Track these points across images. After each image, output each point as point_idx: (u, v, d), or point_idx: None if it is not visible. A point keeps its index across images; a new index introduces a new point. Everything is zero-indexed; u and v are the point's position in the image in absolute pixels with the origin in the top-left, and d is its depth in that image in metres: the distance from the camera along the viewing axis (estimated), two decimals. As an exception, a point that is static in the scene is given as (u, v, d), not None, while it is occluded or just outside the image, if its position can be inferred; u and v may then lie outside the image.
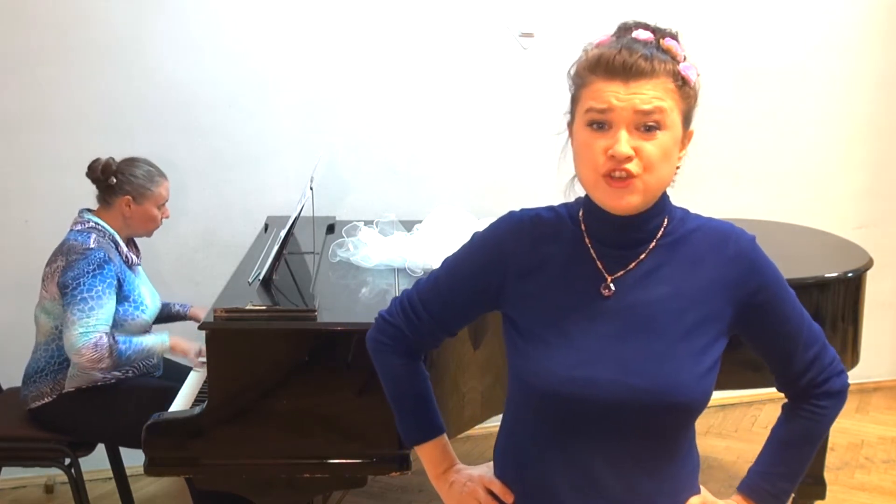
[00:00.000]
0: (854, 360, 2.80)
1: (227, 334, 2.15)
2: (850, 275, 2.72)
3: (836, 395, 1.39)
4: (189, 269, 3.38)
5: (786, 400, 1.43)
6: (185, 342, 2.69)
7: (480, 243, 1.39)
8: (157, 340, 2.66)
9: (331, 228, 3.18)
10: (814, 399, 1.38)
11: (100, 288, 2.52)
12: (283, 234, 2.47)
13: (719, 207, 3.77)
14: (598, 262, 1.31)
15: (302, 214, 2.61)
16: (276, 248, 2.44)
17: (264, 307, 2.19)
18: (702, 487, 1.40)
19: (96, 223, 2.65)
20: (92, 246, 2.55)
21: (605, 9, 3.44)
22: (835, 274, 2.70)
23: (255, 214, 3.34)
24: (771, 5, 3.82)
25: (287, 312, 2.20)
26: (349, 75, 3.41)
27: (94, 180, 2.68)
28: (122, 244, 2.68)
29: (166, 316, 2.98)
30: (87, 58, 3.15)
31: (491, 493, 1.41)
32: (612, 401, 1.24)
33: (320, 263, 2.72)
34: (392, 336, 1.45)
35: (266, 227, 3.14)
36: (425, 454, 1.50)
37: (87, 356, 2.48)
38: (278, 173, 3.40)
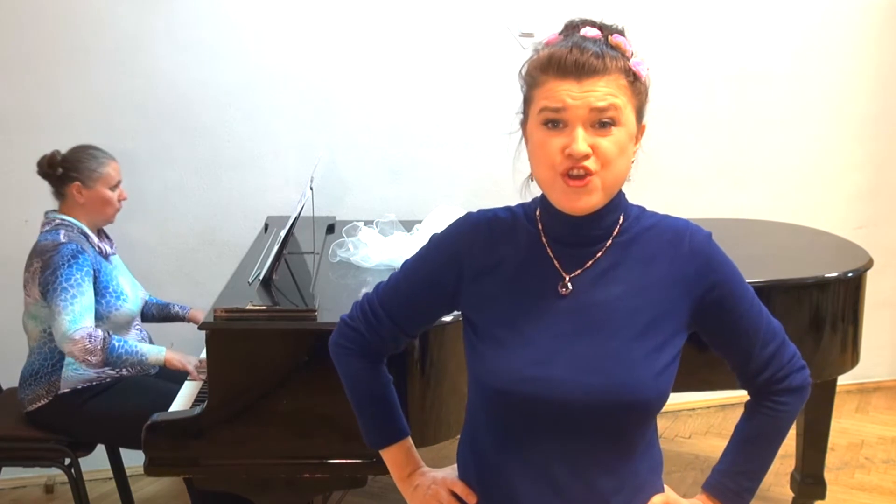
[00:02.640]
0: (854, 360, 2.80)
1: (227, 334, 2.15)
2: (850, 275, 2.71)
3: (797, 392, 1.39)
4: (189, 269, 3.38)
5: (748, 397, 1.44)
6: (182, 358, 2.63)
7: (438, 245, 1.40)
8: (154, 351, 2.62)
9: (331, 228, 3.17)
10: (774, 396, 1.38)
11: (77, 276, 2.53)
12: (283, 234, 2.47)
13: (719, 207, 3.79)
14: (555, 262, 1.31)
15: (302, 214, 2.61)
16: (276, 248, 2.44)
17: (264, 307, 2.19)
18: (666, 486, 1.40)
19: (62, 219, 2.65)
20: (62, 241, 2.56)
21: (604, 9, 3.44)
22: (835, 274, 2.69)
23: (255, 214, 3.34)
24: (771, 5, 3.82)
25: (287, 312, 2.20)
26: (349, 75, 3.41)
27: (44, 176, 2.68)
28: (93, 235, 2.68)
29: (165, 316, 2.98)
30: (87, 58, 3.15)
31: (454, 494, 1.41)
32: (568, 399, 1.24)
33: (320, 263, 2.72)
34: (353, 339, 1.45)
35: (266, 227, 3.14)
36: (389, 458, 1.50)
37: (81, 344, 2.48)
38: (278, 173, 3.40)
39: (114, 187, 2.71)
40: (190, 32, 3.23)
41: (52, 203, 2.73)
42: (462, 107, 3.54)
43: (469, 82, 3.53)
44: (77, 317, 2.50)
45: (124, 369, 2.66)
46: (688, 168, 3.80)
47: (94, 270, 2.60)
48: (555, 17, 3.87)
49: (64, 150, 2.71)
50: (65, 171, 2.65)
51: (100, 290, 2.62)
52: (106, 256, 2.71)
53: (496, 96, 3.54)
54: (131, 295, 2.73)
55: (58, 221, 2.64)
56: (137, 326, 2.78)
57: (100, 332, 2.52)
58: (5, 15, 3.07)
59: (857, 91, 4.02)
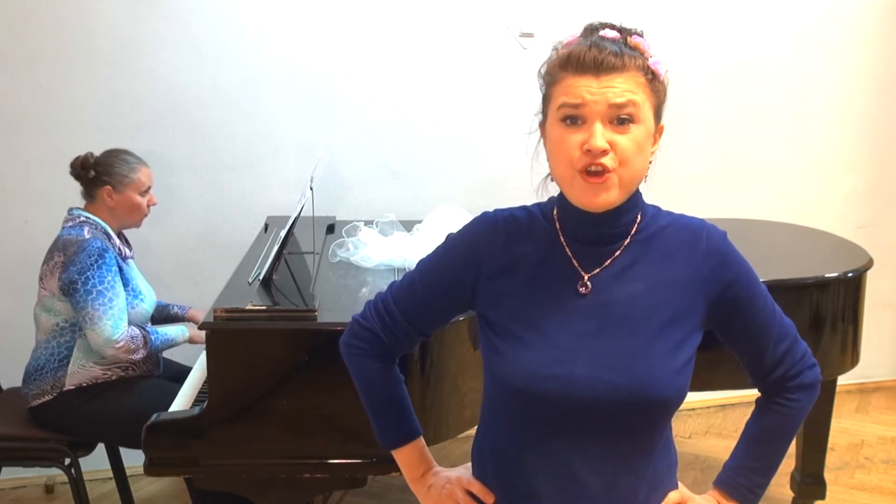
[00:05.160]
0: (854, 360, 2.80)
1: (227, 334, 2.15)
2: (850, 275, 2.71)
3: (808, 389, 1.40)
4: (189, 269, 3.38)
5: (759, 395, 1.45)
6: (202, 333, 2.77)
7: (454, 244, 1.40)
8: (179, 331, 2.77)
9: (331, 228, 3.18)
10: (786, 393, 1.40)
11: (109, 277, 2.55)
12: (283, 234, 2.47)
13: (719, 207, 3.80)
14: (574, 261, 1.31)
15: (302, 214, 2.61)
16: (276, 248, 2.44)
17: (264, 307, 2.19)
18: (680, 483, 1.41)
19: (87, 217, 2.66)
20: (87, 237, 2.57)
21: (604, 9, 3.44)
22: (835, 274, 2.69)
23: (255, 214, 3.34)
24: (771, 5, 3.82)
25: (287, 312, 2.20)
26: (349, 75, 3.41)
27: (76, 177, 2.71)
28: (115, 236, 2.70)
29: (165, 318, 2.98)
30: (87, 58, 3.15)
31: (471, 493, 1.41)
32: (590, 398, 1.25)
33: (320, 263, 2.72)
34: (367, 340, 1.44)
35: (266, 227, 3.14)
36: (402, 458, 1.49)
37: (125, 347, 2.56)
38: (278, 173, 3.40)
39: (144, 193, 2.74)
40: (190, 32, 3.23)
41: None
42: (462, 107, 3.55)
43: (469, 82, 3.53)
44: (118, 321, 2.55)
45: (130, 368, 2.68)
46: (688, 168, 3.80)
47: (119, 266, 2.63)
48: (555, 17, 3.90)
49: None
50: (97, 175, 2.68)
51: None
52: (125, 259, 2.73)
53: (496, 96, 3.54)
54: (147, 297, 2.76)
55: (82, 219, 2.65)
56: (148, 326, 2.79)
57: (137, 331, 2.60)
58: (6, 15, 3.07)
59: (858, 91, 4.02)
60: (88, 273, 2.53)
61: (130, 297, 2.66)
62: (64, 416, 2.61)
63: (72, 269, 2.53)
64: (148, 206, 2.77)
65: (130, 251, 2.80)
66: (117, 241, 2.70)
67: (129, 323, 2.63)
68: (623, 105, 1.21)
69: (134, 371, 2.69)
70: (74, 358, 2.61)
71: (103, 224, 2.68)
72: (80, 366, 2.61)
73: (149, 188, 2.76)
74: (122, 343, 2.55)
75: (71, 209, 2.70)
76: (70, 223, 2.65)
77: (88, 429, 2.65)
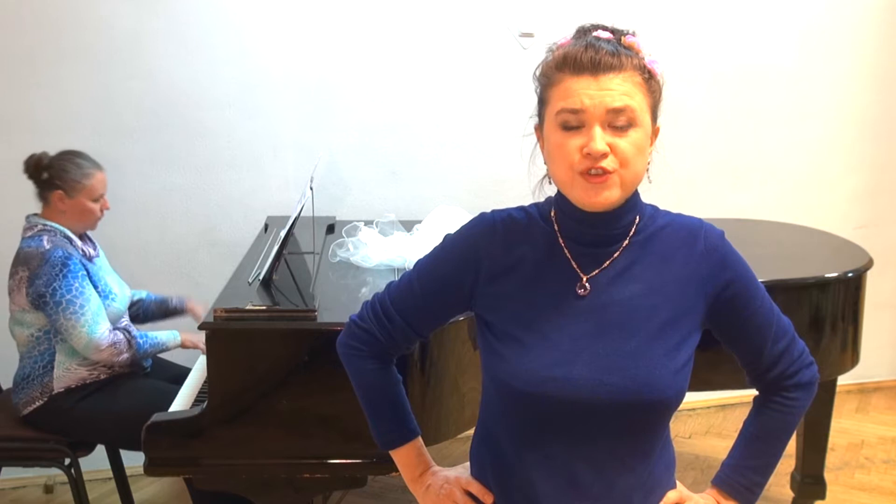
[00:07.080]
0: (854, 360, 2.80)
1: (226, 334, 2.15)
2: (850, 275, 2.72)
3: (806, 387, 1.41)
4: (189, 269, 3.38)
5: (757, 393, 1.45)
6: (193, 337, 2.79)
7: (452, 245, 1.39)
8: (170, 336, 2.75)
9: (331, 228, 3.18)
10: (784, 391, 1.40)
11: (76, 284, 2.52)
12: (283, 234, 2.47)
13: (720, 207, 3.80)
14: (573, 262, 1.31)
15: (302, 214, 2.61)
16: (276, 248, 2.44)
17: (264, 307, 2.19)
18: (678, 482, 1.41)
19: (44, 224, 2.62)
20: (47, 247, 2.54)
21: (604, 8, 3.44)
22: (835, 274, 2.69)
23: (255, 214, 3.34)
24: (772, 5, 3.82)
25: (287, 312, 2.20)
26: (349, 75, 3.41)
27: (29, 177, 2.66)
28: (76, 239, 2.66)
29: (164, 311, 2.98)
30: (86, 58, 3.15)
31: (469, 493, 1.41)
32: (589, 399, 1.25)
33: (320, 263, 2.72)
34: (364, 341, 1.44)
35: (266, 227, 3.14)
36: (401, 458, 1.49)
37: (108, 351, 2.55)
38: (278, 173, 3.40)
39: (97, 199, 2.67)
40: (190, 32, 3.23)
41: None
42: (462, 107, 3.55)
43: (469, 82, 3.53)
44: (93, 325, 2.52)
45: (116, 366, 2.66)
46: (688, 168, 3.80)
47: (86, 269, 2.60)
48: (554, 17, 3.89)
49: (60, 150, 2.70)
50: (49, 178, 2.62)
51: None
52: (90, 259, 2.69)
53: (496, 96, 3.54)
54: (119, 294, 2.73)
55: (40, 227, 2.62)
56: (124, 323, 2.77)
57: (121, 335, 2.58)
58: (5, 15, 3.07)
59: (859, 91, 4.02)
60: (55, 284, 2.50)
61: (101, 298, 2.62)
62: (57, 419, 2.61)
63: (38, 283, 2.51)
64: (101, 210, 2.70)
65: (95, 250, 2.76)
66: (79, 243, 2.66)
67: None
68: (621, 110, 1.21)
69: (120, 368, 2.68)
70: (58, 362, 2.61)
71: (62, 228, 2.63)
72: (65, 369, 2.61)
73: (102, 194, 2.69)
74: (104, 347, 2.53)
75: (28, 216, 2.66)
76: (29, 232, 2.61)
77: (82, 430, 2.64)
